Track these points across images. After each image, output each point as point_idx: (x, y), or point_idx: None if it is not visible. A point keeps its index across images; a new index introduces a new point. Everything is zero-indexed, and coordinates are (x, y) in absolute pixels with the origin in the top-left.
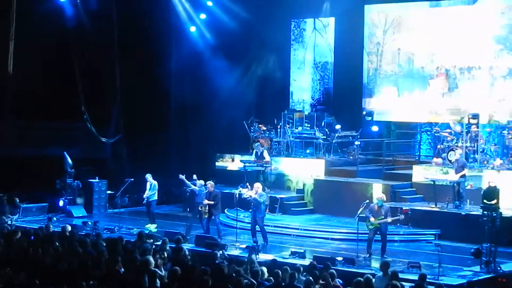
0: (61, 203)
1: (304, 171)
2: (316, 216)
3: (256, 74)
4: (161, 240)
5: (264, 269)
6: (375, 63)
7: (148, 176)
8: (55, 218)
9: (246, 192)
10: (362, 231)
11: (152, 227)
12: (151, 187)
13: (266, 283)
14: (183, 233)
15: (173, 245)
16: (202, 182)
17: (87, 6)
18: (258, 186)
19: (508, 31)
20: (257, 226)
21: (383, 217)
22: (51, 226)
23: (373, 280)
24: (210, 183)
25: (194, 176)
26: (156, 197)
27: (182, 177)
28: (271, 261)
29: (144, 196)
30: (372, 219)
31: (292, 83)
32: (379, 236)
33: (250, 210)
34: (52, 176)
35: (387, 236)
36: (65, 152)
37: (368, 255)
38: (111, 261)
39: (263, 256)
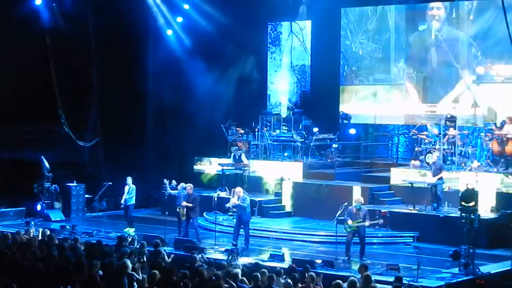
0: (38, 207)
1: (281, 173)
2: (294, 219)
3: (233, 77)
4: (139, 244)
5: (239, 271)
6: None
7: (128, 179)
8: (33, 223)
9: (230, 200)
10: (341, 234)
11: (131, 231)
12: (129, 191)
13: (245, 286)
14: (162, 236)
15: (152, 249)
16: (183, 184)
17: (63, 9)
18: (239, 190)
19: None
20: (241, 230)
21: (361, 220)
22: (32, 230)
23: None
24: (189, 186)
25: (174, 182)
26: (134, 201)
27: (166, 182)
28: (253, 265)
29: (122, 199)
30: (349, 221)
31: (270, 86)
32: (358, 238)
33: (230, 213)
34: (30, 180)
35: (366, 238)
36: (42, 156)
37: (347, 257)
38: (89, 265)
39: (242, 259)
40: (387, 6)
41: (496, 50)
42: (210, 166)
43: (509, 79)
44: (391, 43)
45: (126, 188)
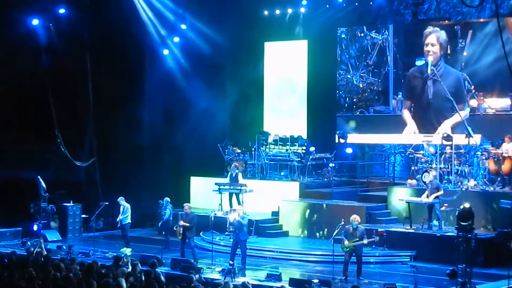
0: (35, 227)
1: (278, 194)
2: (291, 238)
3: (230, 96)
4: (133, 264)
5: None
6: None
7: (121, 200)
8: (29, 243)
9: (230, 215)
10: (338, 253)
11: (127, 251)
12: (124, 210)
13: None
14: (159, 256)
15: (147, 269)
16: (167, 198)
17: (60, 29)
18: (239, 208)
19: None
20: (238, 249)
21: (357, 239)
22: (32, 249)
23: None
24: (187, 205)
25: (167, 199)
26: (129, 220)
27: (163, 202)
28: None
29: (117, 219)
30: (346, 242)
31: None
32: (355, 257)
33: (227, 233)
34: (26, 200)
35: (363, 258)
36: (38, 176)
37: (344, 277)
38: (86, 285)
39: (239, 279)
40: (385, 41)
41: (488, 84)
42: None
43: (500, 111)
44: (390, 77)
45: (121, 208)
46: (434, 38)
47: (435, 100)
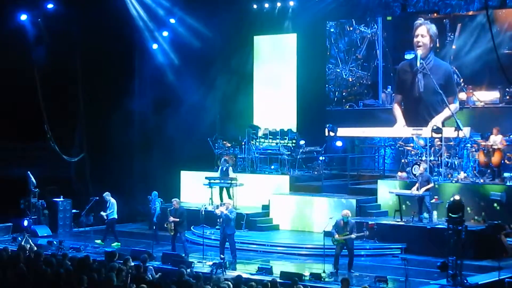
0: (25, 223)
1: (269, 187)
2: (282, 231)
3: (219, 90)
4: (125, 259)
5: (230, 284)
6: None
7: (107, 195)
8: (19, 238)
9: (217, 208)
10: (329, 247)
11: (115, 245)
12: (110, 206)
13: None
14: (150, 251)
15: (138, 263)
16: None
17: (49, 25)
18: (228, 202)
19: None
20: (227, 243)
21: (348, 232)
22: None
23: None
24: (175, 200)
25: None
26: (115, 215)
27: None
28: (236, 277)
29: (104, 215)
30: (336, 235)
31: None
32: (346, 251)
33: (217, 227)
34: (16, 195)
35: (354, 251)
36: (28, 172)
37: (335, 270)
38: (78, 280)
39: (230, 273)
40: (374, 35)
41: (477, 78)
42: None
43: (489, 104)
44: (379, 71)
45: (107, 203)
46: (424, 30)
47: (425, 93)
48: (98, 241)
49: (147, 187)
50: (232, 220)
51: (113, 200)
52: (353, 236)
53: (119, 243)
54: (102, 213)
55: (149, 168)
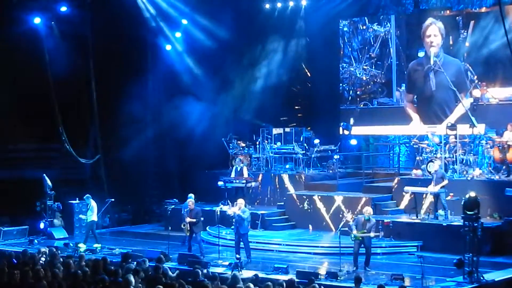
0: (41, 225)
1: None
2: (297, 231)
3: (233, 90)
4: (141, 260)
5: (251, 285)
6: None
7: (87, 197)
8: (36, 241)
9: (230, 209)
10: (344, 245)
11: (97, 247)
12: (90, 208)
13: None
14: (165, 251)
15: (154, 264)
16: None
17: (62, 27)
18: (241, 202)
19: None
20: (241, 242)
21: (365, 231)
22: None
23: None
24: (190, 201)
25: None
26: (95, 218)
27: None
28: (253, 277)
29: (83, 218)
30: (354, 231)
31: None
32: (364, 249)
33: (232, 227)
34: (32, 198)
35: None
36: (44, 174)
37: (355, 268)
38: (95, 282)
39: (246, 273)
40: (387, 33)
41: (490, 75)
42: None
43: (503, 101)
44: (392, 69)
45: (88, 205)
46: (436, 29)
47: (438, 91)
48: (81, 244)
49: (162, 188)
50: (245, 220)
51: (93, 203)
52: (371, 235)
53: (100, 244)
54: (81, 216)
55: (164, 169)
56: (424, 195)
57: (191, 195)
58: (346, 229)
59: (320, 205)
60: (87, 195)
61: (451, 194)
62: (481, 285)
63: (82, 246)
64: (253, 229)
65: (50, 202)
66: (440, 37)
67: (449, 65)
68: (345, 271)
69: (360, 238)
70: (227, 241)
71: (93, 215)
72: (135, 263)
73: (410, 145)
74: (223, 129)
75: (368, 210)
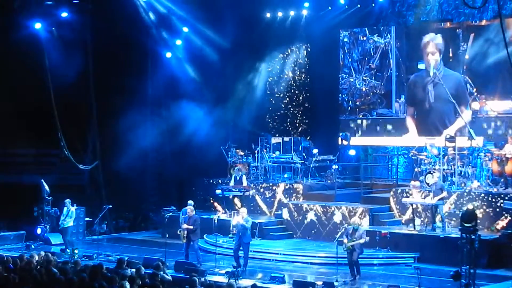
0: (39, 230)
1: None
2: (295, 240)
3: (233, 99)
4: (137, 267)
5: None
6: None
7: (67, 202)
8: (33, 246)
9: (233, 219)
10: (342, 255)
11: (69, 252)
12: (68, 214)
13: None
14: (162, 258)
15: (151, 271)
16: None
17: (62, 33)
18: (243, 211)
19: None
20: (241, 251)
21: (355, 239)
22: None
23: None
24: (189, 208)
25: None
26: (71, 224)
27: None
28: (251, 286)
29: (60, 222)
30: (345, 240)
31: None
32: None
33: (230, 235)
34: (30, 203)
35: (367, 259)
36: (42, 180)
37: (353, 278)
38: None
39: (243, 282)
40: (388, 45)
41: (490, 87)
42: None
43: (502, 113)
44: (392, 80)
45: (65, 209)
46: (433, 47)
47: (437, 104)
48: (66, 251)
49: (160, 195)
50: (248, 229)
51: (73, 209)
52: (361, 241)
53: (69, 251)
54: (62, 218)
55: (163, 176)
56: (421, 206)
57: (191, 202)
58: (343, 239)
59: (318, 215)
60: (68, 199)
61: (449, 206)
62: None
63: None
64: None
65: (48, 207)
66: (438, 54)
67: (449, 78)
68: (341, 281)
69: (351, 248)
70: (224, 250)
71: (71, 221)
72: (130, 269)
73: (408, 157)
74: (222, 138)
75: (357, 220)
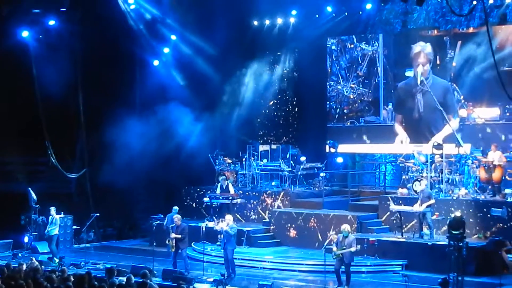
0: (26, 239)
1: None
2: (283, 248)
3: (220, 106)
4: (126, 276)
5: None
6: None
7: (52, 210)
8: (20, 255)
9: (218, 225)
10: (329, 263)
11: (57, 260)
12: (53, 222)
13: None
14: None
15: (139, 280)
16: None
17: (50, 41)
18: (229, 218)
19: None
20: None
21: (345, 247)
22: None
23: None
24: (176, 217)
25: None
26: (57, 232)
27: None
28: None
29: (45, 231)
30: (334, 248)
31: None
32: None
33: (218, 243)
34: (17, 212)
35: (354, 267)
36: (29, 188)
37: (338, 285)
38: None
39: None
40: (375, 52)
41: (477, 95)
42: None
43: (489, 120)
44: (380, 87)
45: (50, 218)
46: (423, 57)
47: (425, 112)
48: (56, 260)
49: (148, 203)
50: (233, 236)
51: (57, 217)
52: (352, 249)
53: (58, 259)
54: (48, 226)
55: (151, 184)
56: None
57: (176, 208)
58: (331, 246)
59: (306, 222)
60: (52, 207)
61: (437, 213)
62: None
63: (56, 262)
64: (238, 245)
65: (35, 216)
66: (428, 64)
67: (437, 86)
68: None
69: (341, 255)
70: (212, 258)
71: (56, 229)
72: (119, 278)
73: (396, 164)
74: (210, 145)
75: (346, 227)
